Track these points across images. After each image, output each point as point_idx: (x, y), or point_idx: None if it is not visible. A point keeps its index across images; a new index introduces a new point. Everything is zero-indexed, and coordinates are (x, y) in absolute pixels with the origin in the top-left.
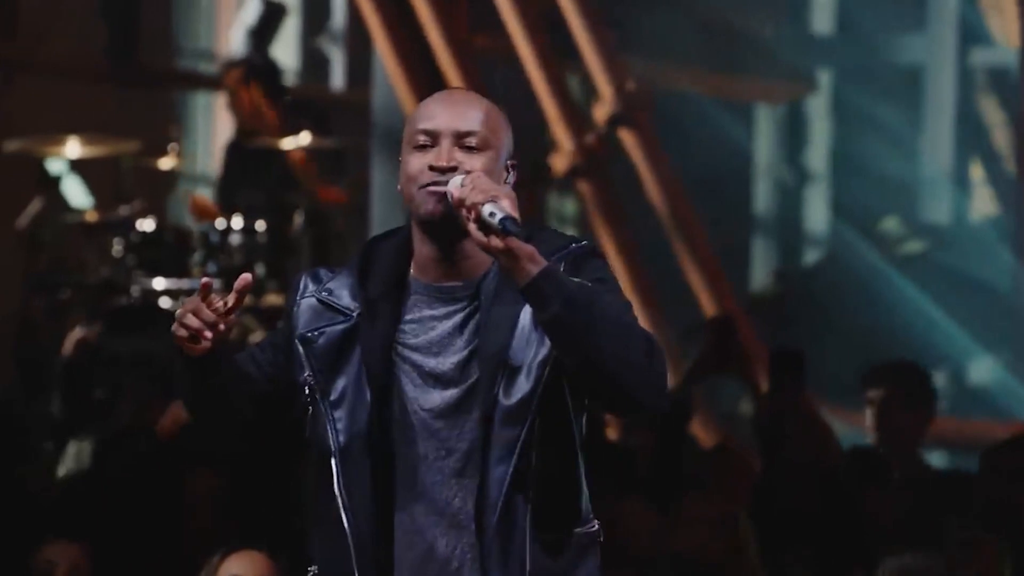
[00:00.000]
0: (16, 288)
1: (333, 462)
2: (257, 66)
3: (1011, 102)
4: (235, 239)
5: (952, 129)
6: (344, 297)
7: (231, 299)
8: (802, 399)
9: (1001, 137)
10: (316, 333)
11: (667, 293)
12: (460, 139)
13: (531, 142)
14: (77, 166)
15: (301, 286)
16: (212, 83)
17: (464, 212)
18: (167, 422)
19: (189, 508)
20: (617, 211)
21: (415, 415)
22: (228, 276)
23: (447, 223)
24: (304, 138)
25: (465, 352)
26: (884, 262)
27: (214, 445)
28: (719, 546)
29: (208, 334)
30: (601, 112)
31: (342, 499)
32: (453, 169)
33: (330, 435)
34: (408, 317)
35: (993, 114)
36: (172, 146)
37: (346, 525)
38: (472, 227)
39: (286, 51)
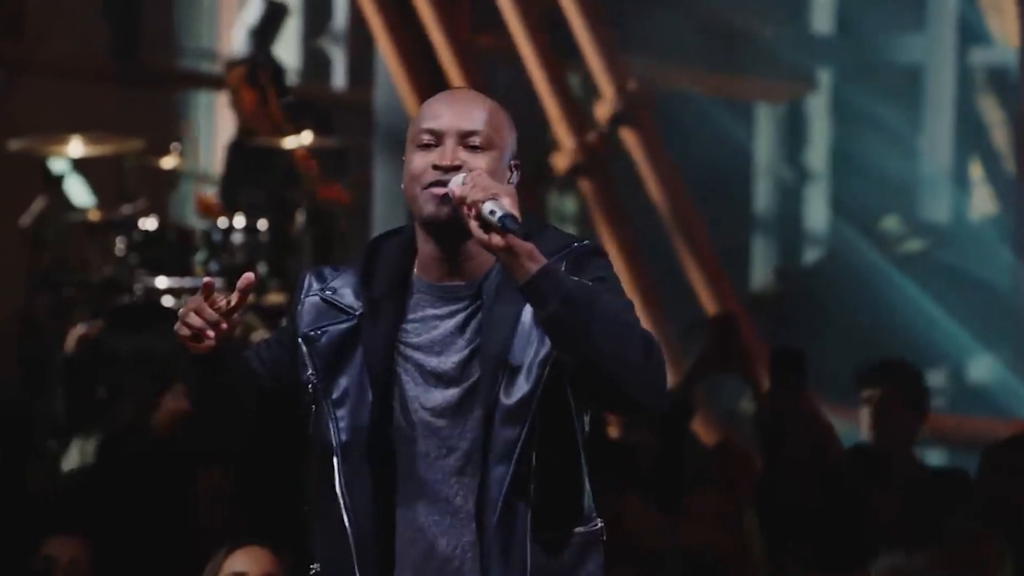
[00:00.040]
0: (19, 287)
1: (335, 460)
2: (260, 65)
3: (1010, 101)
4: (237, 238)
5: (951, 128)
6: (347, 296)
7: (234, 298)
8: (803, 397)
9: (1000, 136)
10: (319, 332)
11: (668, 292)
12: (464, 138)
13: (533, 141)
14: (80, 165)
15: (305, 284)
16: (214, 82)
17: (465, 210)
18: (162, 417)
19: (196, 506)
20: (618, 210)
21: (416, 414)
22: (230, 275)
23: (450, 226)
24: (306, 137)
25: (466, 351)
26: (884, 261)
27: (220, 443)
28: (723, 543)
29: (210, 333)
30: (602, 111)
31: (343, 497)
32: (457, 168)
33: (332, 433)
34: (411, 316)
35: (992, 113)
36: (174, 145)
37: (347, 523)
38: (473, 225)
39: (288, 51)
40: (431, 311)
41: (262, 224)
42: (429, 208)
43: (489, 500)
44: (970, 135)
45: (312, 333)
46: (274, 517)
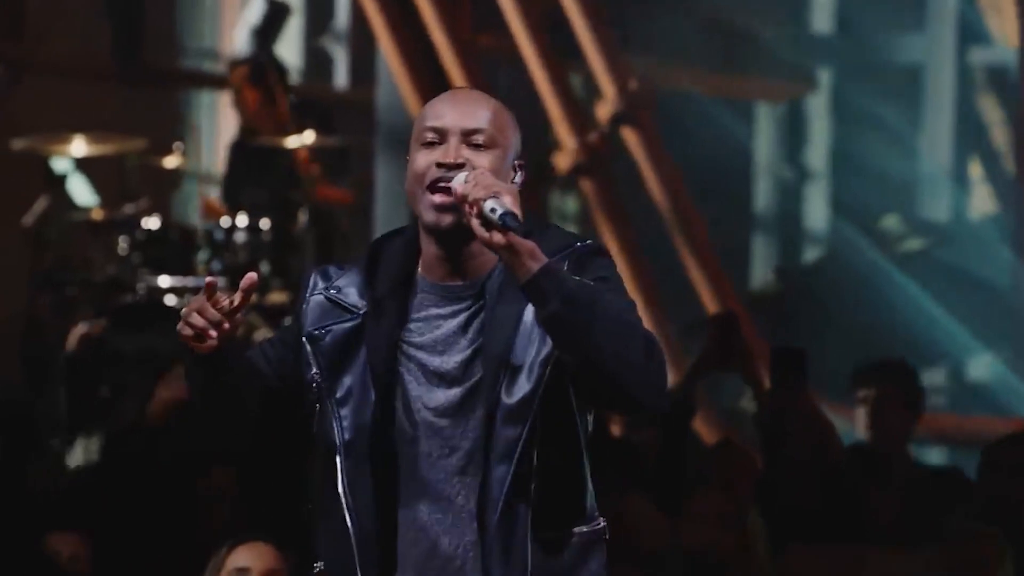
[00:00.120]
0: (22, 286)
1: (338, 459)
2: (268, 65)
3: (1010, 101)
4: (240, 237)
5: (951, 128)
6: (352, 295)
7: (237, 298)
8: (803, 397)
9: (1000, 135)
10: (323, 331)
11: (669, 291)
12: (467, 136)
13: (534, 141)
14: (82, 164)
15: (311, 283)
16: (216, 82)
17: (467, 208)
18: (156, 406)
19: (200, 505)
20: (619, 209)
21: (419, 413)
22: (233, 274)
23: (451, 231)
24: (308, 137)
25: (469, 351)
26: (884, 260)
27: (223, 443)
28: (724, 542)
29: (213, 333)
30: (604, 111)
31: (345, 497)
32: (460, 166)
33: (336, 432)
34: (414, 315)
35: (992, 113)
36: (177, 145)
37: (349, 522)
38: (475, 223)
39: (289, 50)
40: (434, 311)
41: (264, 223)
42: (429, 217)
43: (490, 500)
44: (970, 134)
45: (316, 332)
46: (278, 515)
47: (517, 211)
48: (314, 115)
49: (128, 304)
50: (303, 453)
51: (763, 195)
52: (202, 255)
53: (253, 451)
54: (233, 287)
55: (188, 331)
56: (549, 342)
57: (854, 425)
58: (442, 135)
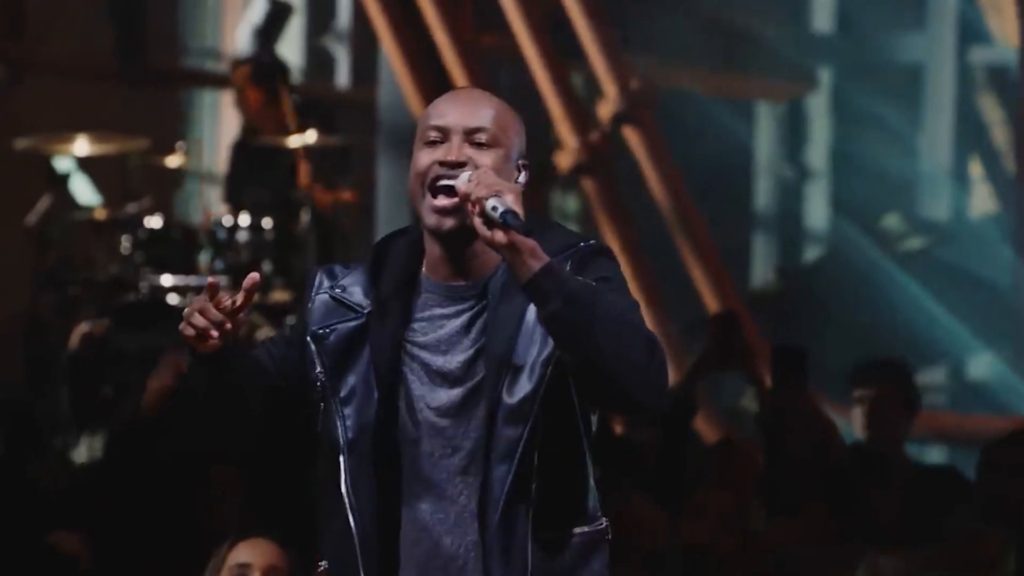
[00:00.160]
0: (25, 285)
1: (341, 458)
2: (265, 64)
3: (1010, 100)
4: (242, 236)
5: (951, 127)
6: (356, 294)
7: (239, 298)
8: (804, 396)
9: (1000, 135)
10: (327, 330)
11: (670, 290)
12: (470, 135)
13: (536, 140)
14: (85, 164)
15: (316, 282)
16: (218, 81)
17: (469, 206)
18: (148, 397)
19: (203, 504)
20: (620, 208)
21: (421, 413)
22: (235, 273)
23: (452, 234)
24: (310, 136)
25: (471, 351)
26: (884, 259)
27: (226, 442)
28: (724, 541)
29: (215, 333)
30: (605, 110)
31: (348, 496)
32: (462, 164)
33: (339, 431)
34: (418, 315)
35: (992, 112)
36: (180, 144)
37: (352, 521)
38: (477, 221)
39: (291, 50)
40: (438, 310)
41: (267, 223)
42: (431, 220)
43: (491, 499)
44: (970, 134)
45: (321, 331)
46: (281, 513)
47: (519, 210)
48: (316, 115)
49: (131, 303)
50: (306, 452)
51: (764, 194)
52: (204, 254)
53: (257, 450)
54: (235, 286)
55: (190, 331)
56: (551, 342)
57: (852, 424)
58: (445, 134)
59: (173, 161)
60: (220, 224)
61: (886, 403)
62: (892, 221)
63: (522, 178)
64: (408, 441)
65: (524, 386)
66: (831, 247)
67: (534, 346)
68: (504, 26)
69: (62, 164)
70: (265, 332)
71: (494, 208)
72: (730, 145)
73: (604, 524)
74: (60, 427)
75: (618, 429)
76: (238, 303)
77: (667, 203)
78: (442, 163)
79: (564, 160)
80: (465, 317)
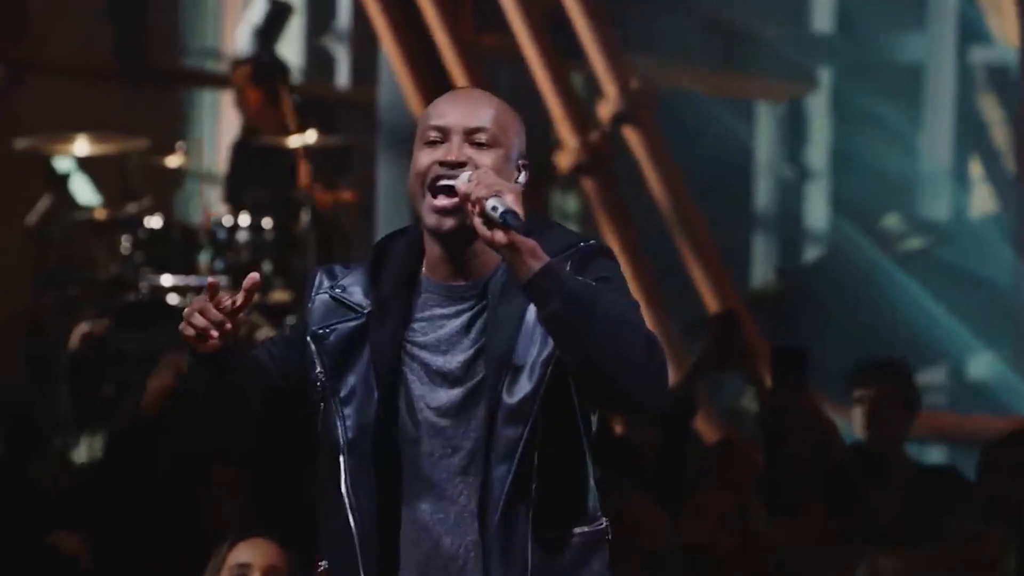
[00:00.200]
0: (25, 285)
1: (341, 458)
2: (266, 64)
3: (1010, 100)
4: (242, 236)
5: (952, 127)
6: (356, 294)
7: (240, 298)
8: (804, 396)
9: (1000, 134)
10: (327, 330)
11: (670, 290)
12: (470, 135)
13: (536, 140)
14: (85, 164)
15: (316, 282)
16: (218, 81)
17: (469, 206)
18: (148, 398)
19: (204, 503)
20: (620, 208)
21: (421, 413)
22: (235, 273)
23: (452, 234)
24: (310, 136)
25: (471, 351)
26: (885, 259)
27: (225, 442)
28: (725, 541)
29: (215, 333)
30: (605, 110)
31: (348, 496)
32: (462, 164)
33: (339, 431)
34: (418, 315)
35: (992, 112)
36: (180, 144)
37: (352, 521)
38: (477, 221)
39: (291, 50)
40: (438, 310)
41: (267, 223)
42: (431, 220)
43: (491, 499)
44: (970, 134)
45: (321, 331)
46: (281, 513)
47: (519, 210)
48: (316, 115)
49: (131, 303)
50: (306, 452)
51: (764, 194)
52: (204, 254)
53: (257, 449)
54: (235, 286)
55: (190, 331)
56: (551, 342)
57: (851, 424)
58: (445, 134)
59: (173, 161)
60: (220, 224)
61: (886, 403)
62: (892, 221)
63: (522, 178)
64: (408, 441)
65: (524, 386)
66: (831, 247)
67: (534, 346)
68: (504, 26)
69: (62, 164)
70: (265, 332)
71: (494, 208)
72: (730, 145)
73: (604, 524)
74: (60, 427)
75: (618, 429)
76: (238, 303)
77: (667, 203)
78: (442, 163)
79: (564, 160)
80: (465, 317)
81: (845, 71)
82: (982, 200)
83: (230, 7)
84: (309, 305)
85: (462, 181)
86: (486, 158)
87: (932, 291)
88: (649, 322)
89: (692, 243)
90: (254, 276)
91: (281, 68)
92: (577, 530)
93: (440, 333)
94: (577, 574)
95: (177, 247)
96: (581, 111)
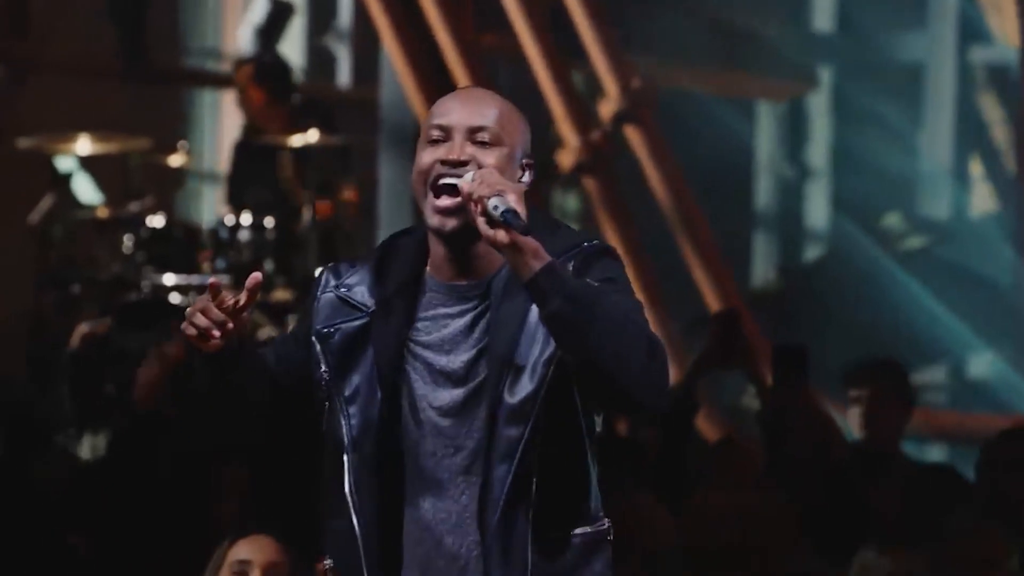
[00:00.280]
0: (27, 285)
1: (345, 457)
2: (268, 63)
3: (1010, 99)
4: (244, 235)
5: (952, 126)
6: (361, 293)
7: (243, 297)
8: (805, 394)
9: (1000, 134)
10: (332, 329)
11: (671, 289)
12: (472, 134)
13: (537, 139)
14: (87, 163)
15: (323, 281)
16: (219, 81)
17: (472, 206)
18: (139, 391)
19: (213, 502)
20: (622, 207)
21: (424, 412)
22: (237, 272)
23: (455, 234)
24: (312, 136)
25: (474, 351)
26: (885, 258)
27: (228, 440)
28: (726, 540)
29: (217, 333)
30: (606, 109)
31: (351, 494)
32: (464, 163)
33: (343, 430)
34: (422, 315)
35: (992, 111)
36: (182, 143)
37: (355, 520)
38: (480, 221)
39: (292, 49)
40: (442, 310)
41: (268, 222)
42: (434, 220)
43: (491, 499)
44: (970, 133)
45: (326, 330)
46: (284, 511)
47: (521, 209)
48: (317, 114)
49: (133, 302)
50: (310, 451)
51: (764, 193)
52: (207, 253)
53: (263, 448)
54: (237, 285)
55: (192, 330)
56: (553, 342)
57: (848, 424)
58: (447, 132)
59: (175, 160)
60: (222, 223)
61: (882, 402)
62: (893, 220)
63: (527, 177)
64: (411, 440)
65: (525, 386)
66: (832, 246)
67: (536, 346)
68: (505, 25)
69: (64, 163)
70: (267, 331)
71: (495, 207)
72: (731, 144)
73: (606, 525)
74: (62, 426)
75: (620, 428)
76: (241, 302)
77: (668, 202)
78: (444, 162)
79: (565, 159)
80: (469, 317)
81: (846, 70)
82: (982, 199)
83: (231, 7)
84: (315, 304)
85: (465, 181)
86: (489, 157)
87: (933, 290)
88: (650, 321)
89: (693, 242)
90: (257, 275)
91: (283, 68)
92: (578, 530)
93: (444, 333)
94: (578, 575)
95: (179, 246)
96: (582, 110)
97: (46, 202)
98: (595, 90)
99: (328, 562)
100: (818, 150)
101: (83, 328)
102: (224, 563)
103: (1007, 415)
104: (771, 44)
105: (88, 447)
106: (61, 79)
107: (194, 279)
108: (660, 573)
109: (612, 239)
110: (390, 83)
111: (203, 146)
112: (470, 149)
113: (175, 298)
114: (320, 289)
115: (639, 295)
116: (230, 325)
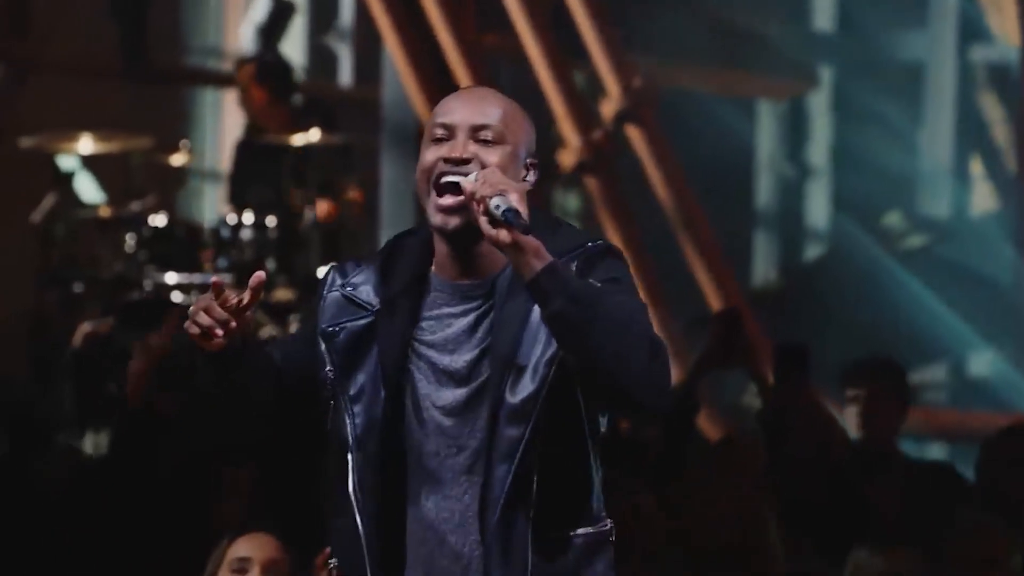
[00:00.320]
0: (29, 284)
1: (349, 456)
2: (270, 63)
3: (1011, 98)
4: (246, 234)
5: (952, 125)
6: (366, 292)
7: (246, 296)
8: (806, 393)
9: (1001, 133)
10: (337, 328)
11: (673, 288)
12: (476, 132)
13: (539, 139)
14: (89, 162)
15: (329, 280)
16: (220, 80)
17: (474, 205)
18: (130, 385)
19: (217, 501)
20: (623, 206)
21: (427, 412)
22: (239, 271)
23: (459, 233)
24: (313, 135)
25: (477, 350)
26: (886, 256)
27: (230, 439)
28: (727, 539)
29: (219, 332)
30: (608, 109)
31: (355, 495)
32: (467, 161)
33: (348, 429)
34: (426, 314)
35: (993, 110)
36: (184, 142)
37: (358, 520)
38: (482, 220)
39: (294, 48)
40: (447, 309)
41: (270, 221)
42: (437, 219)
43: (491, 499)
44: (971, 132)
45: (331, 329)
46: (286, 510)
47: (523, 209)
48: (319, 113)
49: (135, 301)
50: (314, 449)
51: (765, 192)
52: (208, 252)
53: (267, 447)
54: (239, 284)
55: (195, 329)
56: (555, 342)
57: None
58: (451, 131)
59: (177, 159)
60: (224, 222)
61: (879, 401)
62: (893, 219)
63: (531, 177)
64: (414, 440)
65: (527, 386)
66: (832, 245)
67: (538, 346)
68: (507, 25)
69: (66, 162)
70: (268, 331)
71: (497, 207)
72: (732, 143)
73: (608, 525)
74: (64, 425)
75: (623, 427)
76: (244, 302)
77: (669, 201)
78: (447, 160)
79: (567, 158)
80: (472, 316)
81: (846, 69)
82: (983, 198)
83: (232, 6)
84: (321, 303)
85: (468, 180)
86: (492, 156)
87: (933, 289)
88: (652, 320)
89: (694, 241)
90: (260, 275)
91: (285, 67)
92: (580, 531)
93: (448, 332)
94: (579, 575)
95: (181, 245)
96: (583, 110)
97: (48, 201)
98: (596, 90)
99: (332, 561)
100: (819, 149)
101: (85, 327)
102: (224, 561)
103: (1007, 413)
104: (772, 43)
105: (89, 447)
106: (62, 78)
107: (196, 278)
108: (660, 573)
109: (613, 238)
110: (392, 82)
111: (205, 145)
112: (473, 147)
113: (177, 297)
114: (326, 288)
115: (641, 294)
116: (233, 324)
